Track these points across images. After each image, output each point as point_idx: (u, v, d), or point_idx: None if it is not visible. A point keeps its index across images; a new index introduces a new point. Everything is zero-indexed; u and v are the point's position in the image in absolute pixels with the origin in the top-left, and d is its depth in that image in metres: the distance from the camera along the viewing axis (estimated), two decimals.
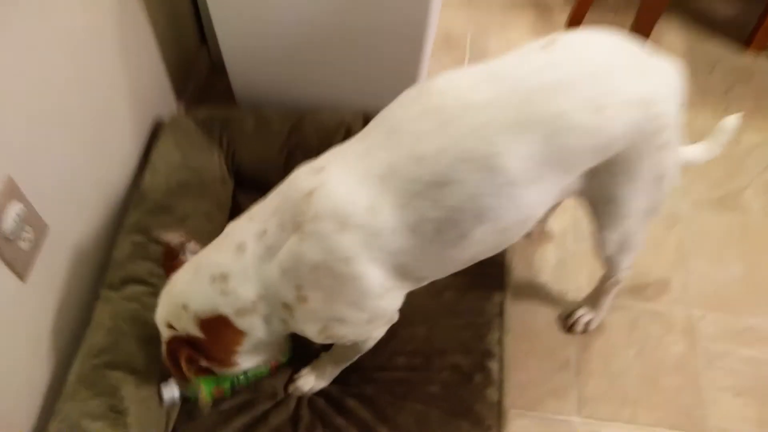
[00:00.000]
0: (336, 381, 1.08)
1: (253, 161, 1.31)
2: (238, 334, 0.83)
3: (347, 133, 1.29)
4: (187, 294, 0.83)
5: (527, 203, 0.77)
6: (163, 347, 0.88)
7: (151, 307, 1.04)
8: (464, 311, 1.16)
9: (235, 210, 1.28)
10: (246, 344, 0.84)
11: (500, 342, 1.13)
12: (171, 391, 0.96)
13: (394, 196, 0.73)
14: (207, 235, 1.18)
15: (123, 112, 1.22)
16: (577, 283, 1.37)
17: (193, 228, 1.17)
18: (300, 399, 1.06)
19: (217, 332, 0.82)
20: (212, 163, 1.28)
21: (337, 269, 0.74)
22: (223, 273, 0.79)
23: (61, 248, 1.00)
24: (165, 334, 0.87)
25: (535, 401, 1.19)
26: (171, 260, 0.90)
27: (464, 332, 1.14)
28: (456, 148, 0.72)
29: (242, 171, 1.32)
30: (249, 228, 0.81)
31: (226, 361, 0.86)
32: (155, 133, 1.32)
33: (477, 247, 0.80)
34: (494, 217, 0.76)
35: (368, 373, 1.09)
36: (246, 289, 0.79)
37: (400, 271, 0.78)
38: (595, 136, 0.75)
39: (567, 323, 1.30)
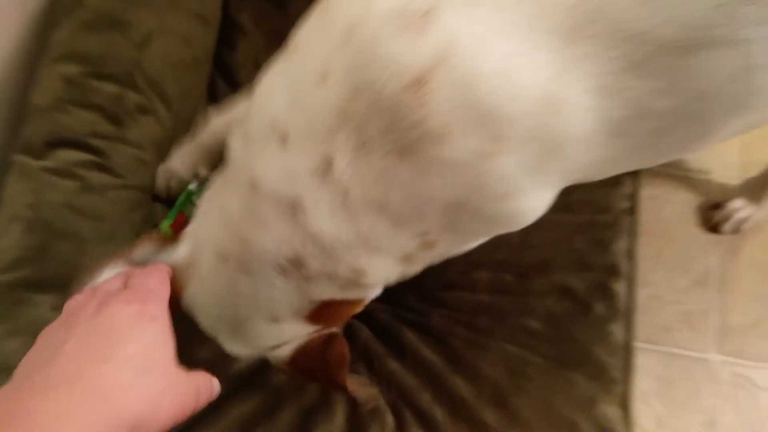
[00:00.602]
0: (385, 298, 0.75)
1: None
2: (352, 305, 0.56)
3: None
4: (262, 306, 0.53)
5: None
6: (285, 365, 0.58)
7: (99, 189, 0.68)
8: (579, 205, 0.83)
9: (228, 28, 0.86)
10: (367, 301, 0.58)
11: (630, 254, 0.80)
12: None
13: (592, 71, 0.40)
14: (186, 68, 0.79)
15: None
16: (726, 159, 0.99)
17: (163, 55, 0.76)
18: None
19: (331, 315, 0.55)
20: None
21: (488, 209, 0.46)
22: (293, 258, 0.48)
23: None
24: (280, 354, 0.58)
25: (661, 329, 0.89)
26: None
27: (578, 237, 0.80)
28: None
29: None
30: (291, 164, 0.45)
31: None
32: None
33: (703, 146, 0.50)
34: (762, 105, 0.45)
35: (434, 292, 0.77)
36: (337, 265, 0.49)
37: (573, 180, 0.50)
38: None
39: (711, 219, 0.96)
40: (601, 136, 0.43)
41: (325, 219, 0.45)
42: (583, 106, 0.41)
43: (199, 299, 0.53)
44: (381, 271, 0.50)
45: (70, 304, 0.42)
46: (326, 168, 0.44)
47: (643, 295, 0.88)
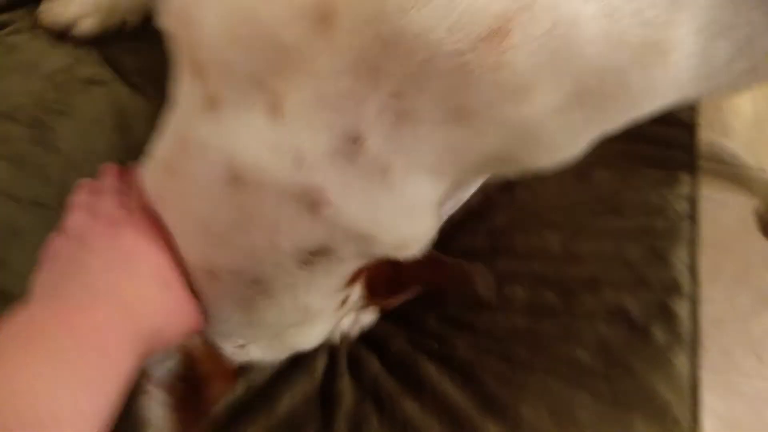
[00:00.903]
0: (401, 319, 0.62)
1: None
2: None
3: None
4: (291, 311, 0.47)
5: None
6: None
7: (39, 174, 0.56)
8: (629, 207, 0.71)
9: None
10: None
11: (692, 267, 0.67)
12: None
13: (701, 4, 0.31)
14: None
15: None
16: None
17: None
18: (335, 356, 0.60)
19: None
20: None
21: (532, 160, 0.40)
22: (319, 250, 0.40)
23: None
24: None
25: (722, 357, 0.76)
26: None
27: (631, 246, 0.68)
28: None
29: None
30: (293, 143, 0.33)
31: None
32: None
33: None
34: None
35: (459, 314, 0.63)
36: (379, 246, 0.40)
37: None
38: None
39: None
40: (692, 83, 0.35)
41: (360, 207, 0.36)
42: (687, 53, 0.32)
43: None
44: (426, 233, 0.44)
45: (73, 221, 0.42)
46: (352, 146, 0.33)
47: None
